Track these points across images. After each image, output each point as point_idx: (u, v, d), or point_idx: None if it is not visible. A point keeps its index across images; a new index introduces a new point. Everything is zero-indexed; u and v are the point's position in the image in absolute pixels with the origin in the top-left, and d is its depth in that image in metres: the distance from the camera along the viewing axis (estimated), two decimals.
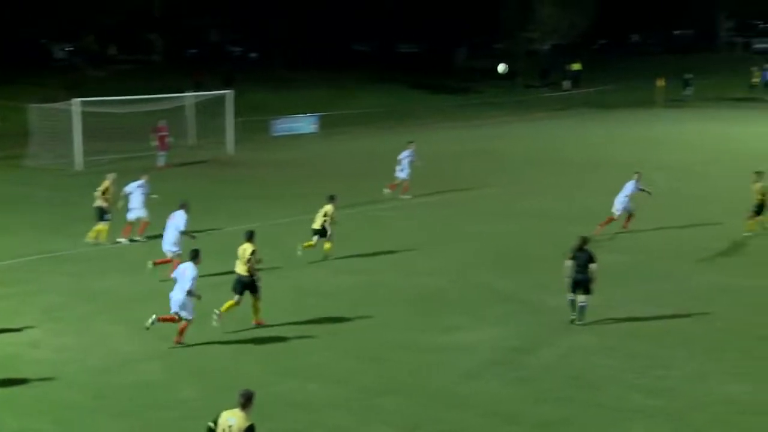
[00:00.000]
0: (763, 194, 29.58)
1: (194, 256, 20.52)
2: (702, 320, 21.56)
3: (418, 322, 21.96)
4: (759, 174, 30.05)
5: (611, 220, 29.64)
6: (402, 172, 36.79)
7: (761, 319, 21.41)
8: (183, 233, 25.38)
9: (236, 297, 21.58)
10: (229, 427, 12.38)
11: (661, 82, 70.98)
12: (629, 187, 29.86)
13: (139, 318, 21.03)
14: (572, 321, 21.25)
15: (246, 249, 21.59)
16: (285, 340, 20.90)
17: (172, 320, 20.23)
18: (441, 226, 32.09)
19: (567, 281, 21.22)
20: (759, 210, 29.60)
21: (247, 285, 21.53)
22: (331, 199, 27.26)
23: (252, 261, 21.37)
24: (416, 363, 19.38)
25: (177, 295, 20.19)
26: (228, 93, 52.96)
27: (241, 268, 21.61)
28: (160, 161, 45.65)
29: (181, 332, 20.30)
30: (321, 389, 18.09)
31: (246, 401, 12.57)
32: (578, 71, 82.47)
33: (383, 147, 52.39)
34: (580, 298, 21.14)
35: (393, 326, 21.69)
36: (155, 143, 46.06)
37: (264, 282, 22.04)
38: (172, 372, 19.17)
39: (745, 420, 16.28)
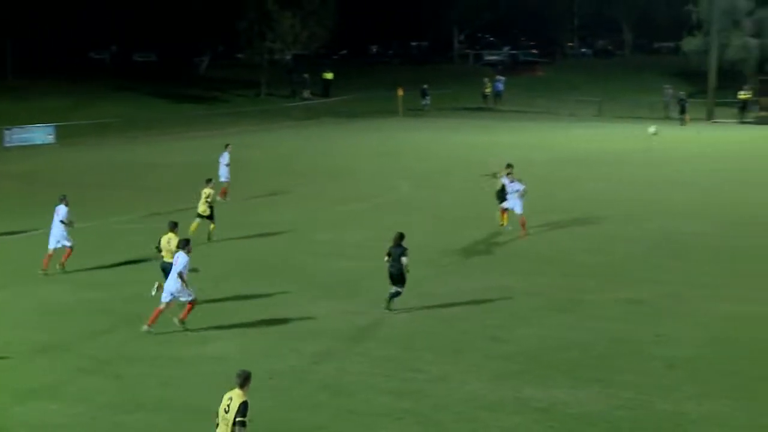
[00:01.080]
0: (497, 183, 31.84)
1: (185, 244, 21.48)
2: (449, 323, 22.07)
3: (163, 334, 21.33)
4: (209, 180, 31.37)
5: None
6: (223, 177, 36.99)
7: (494, 321, 22.14)
8: (63, 222, 26.24)
9: None
10: (228, 404, 13.07)
11: (400, 92, 72.82)
12: None
13: None
14: (389, 308, 22.51)
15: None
16: (20, 359, 19.80)
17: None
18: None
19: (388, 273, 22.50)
20: (501, 198, 31.08)
21: None
22: (208, 181, 30.71)
23: None
24: (163, 377, 18.79)
25: (171, 283, 21.09)
26: None
27: None
28: None
29: (188, 311, 21.35)
30: (63, 409, 17.23)
31: (243, 381, 13.21)
32: (329, 80, 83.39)
33: (124, 157, 51.06)
34: (395, 287, 22.44)
35: (136, 340, 20.95)
36: None
37: (1, 298, 20.84)
38: None
39: (486, 416, 16.75)
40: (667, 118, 65.52)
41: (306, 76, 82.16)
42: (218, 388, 18.02)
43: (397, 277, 22.41)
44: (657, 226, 31.55)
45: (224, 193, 36.52)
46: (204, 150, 48.37)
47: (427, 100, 74.03)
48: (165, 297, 21.24)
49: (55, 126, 58.45)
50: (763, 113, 63.69)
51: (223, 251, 29.38)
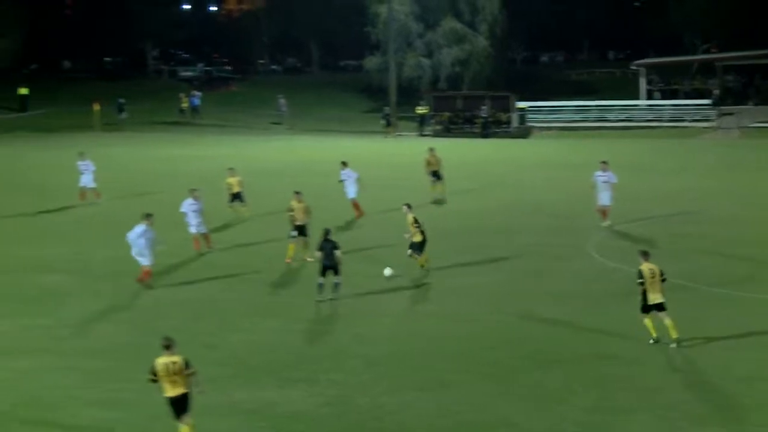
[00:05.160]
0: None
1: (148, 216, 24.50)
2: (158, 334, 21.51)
3: None
4: (231, 170, 34.19)
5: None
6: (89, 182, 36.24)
7: (205, 328, 21.88)
8: None
9: None
10: (173, 363, 14.80)
11: (97, 107, 70.37)
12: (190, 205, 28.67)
13: None
14: (319, 302, 23.22)
15: None
16: None
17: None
18: None
19: (319, 266, 23.40)
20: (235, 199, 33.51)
21: None
22: (231, 170, 33.83)
23: None
24: None
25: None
26: None
27: None
28: None
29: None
30: None
31: (171, 343, 14.99)
32: (26, 95, 79.08)
33: None
34: (334, 279, 23.37)
35: None
36: None
37: None
38: None
39: (199, 421, 16.47)
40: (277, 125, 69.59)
41: (17, 90, 77.51)
42: None
43: (333, 268, 23.29)
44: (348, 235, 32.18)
45: None
46: None
47: (124, 115, 72.02)
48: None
49: None
50: (438, 127, 66.92)
51: None
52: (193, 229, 28.61)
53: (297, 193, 28.25)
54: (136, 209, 31.81)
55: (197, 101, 77.50)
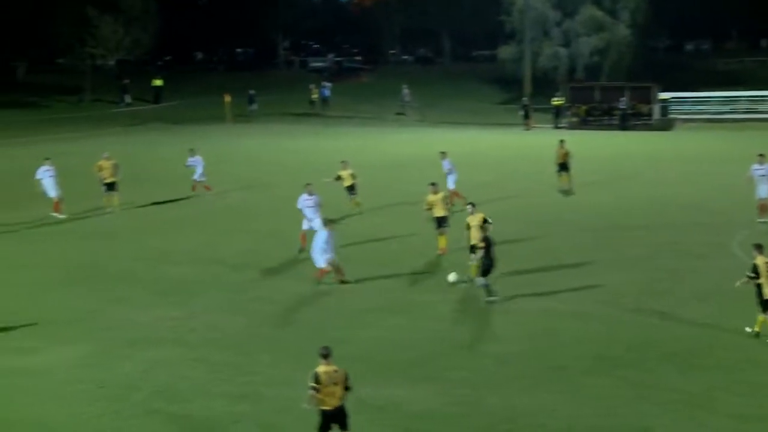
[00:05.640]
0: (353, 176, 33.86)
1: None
2: (288, 327, 21.83)
3: None
4: (344, 162, 34.55)
5: None
6: (52, 191, 34.60)
7: (332, 323, 22.05)
8: None
9: None
10: (335, 372, 14.28)
11: (228, 98, 71.91)
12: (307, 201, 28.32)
13: None
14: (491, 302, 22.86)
15: None
16: None
17: None
18: (16, 246, 30.21)
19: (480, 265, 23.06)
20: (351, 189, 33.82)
21: None
22: (344, 162, 34.23)
23: None
24: None
25: None
26: None
27: None
28: None
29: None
30: None
31: (329, 353, 14.50)
32: (159, 87, 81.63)
33: None
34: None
35: None
36: None
37: None
38: None
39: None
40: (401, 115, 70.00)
41: (126, 81, 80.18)
42: (46, 399, 17.41)
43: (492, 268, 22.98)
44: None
45: (57, 208, 34.77)
46: (21, 158, 46.49)
47: (255, 106, 73.42)
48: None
49: None
50: (574, 119, 65.94)
51: (47, 260, 28.30)
52: (304, 225, 27.96)
53: (433, 184, 28.19)
54: (264, 201, 32.60)
55: (327, 92, 78.31)
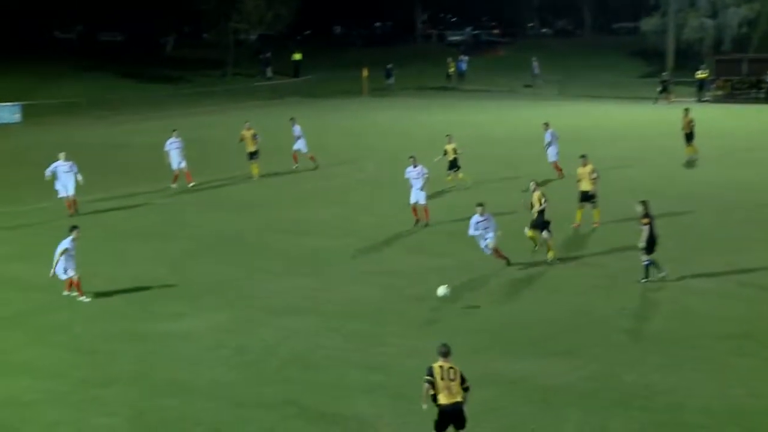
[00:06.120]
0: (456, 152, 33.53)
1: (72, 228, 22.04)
2: (419, 300, 21.94)
3: (136, 311, 21.12)
4: (449, 136, 34.28)
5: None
6: (176, 163, 35.67)
7: (462, 296, 22.01)
8: None
9: None
10: (450, 369, 13.92)
11: (365, 72, 72.49)
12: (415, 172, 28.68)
13: None
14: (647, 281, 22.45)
15: None
16: None
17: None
18: (158, 216, 31.15)
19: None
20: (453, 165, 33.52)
21: None
22: (449, 137, 33.90)
23: None
24: (137, 352, 18.64)
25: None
26: None
27: None
28: None
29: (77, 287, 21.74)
30: (34, 384, 17.03)
31: (448, 350, 14.11)
32: (299, 61, 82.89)
33: (89, 137, 50.39)
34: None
35: (109, 317, 20.73)
36: None
37: None
38: None
39: None
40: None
41: (268, 55, 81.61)
42: (188, 363, 18.00)
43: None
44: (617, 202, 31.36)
45: (188, 178, 35.78)
46: (168, 131, 47.80)
47: (392, 80, 73.76)
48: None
49: (22, 105, 57.54)
50: (719, 92, 63.93)
51: (188, 230, 29.11)
52: (412, 198, 28.43)
53: (582, 156, 27.91)
54: (398, 174, 32.63)
55: (464, 66, 78.05)
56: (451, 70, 77.27)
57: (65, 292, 21.90)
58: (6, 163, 31.85)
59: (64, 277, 21.62)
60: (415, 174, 28.44)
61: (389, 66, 74.28)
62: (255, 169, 36.94)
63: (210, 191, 35.09)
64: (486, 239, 23.50)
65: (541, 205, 24.52)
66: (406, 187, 28.72)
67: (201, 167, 37.50)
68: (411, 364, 17.73)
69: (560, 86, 71.27)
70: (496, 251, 23.73)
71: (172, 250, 26.67)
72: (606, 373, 17.23)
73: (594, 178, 27.51)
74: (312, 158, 38.70)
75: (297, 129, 38.99)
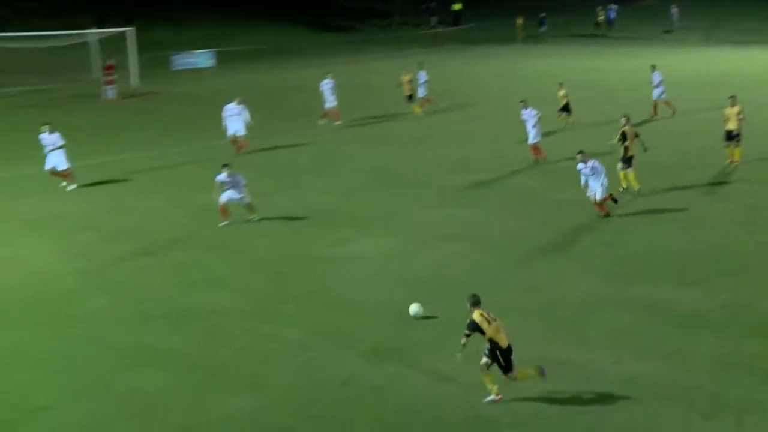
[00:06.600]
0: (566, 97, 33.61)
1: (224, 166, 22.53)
2: (566, 231, 21.82)
3: (311, 236, 21.74)
4: (560, 84, 34.18)
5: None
6: (328, 102, 36.45)
7: (606, 228, 21.76)
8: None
9: None
10: (489, 313, 13.20)
11: (520, 21, 71.38)
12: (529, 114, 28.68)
13: (57, 235, 20.46)
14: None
15: None
16: (187, 256, 20.51)
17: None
18: (331, 152, 31.79)
19: None
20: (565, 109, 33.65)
21: None
22: (560, 84, 33.68)
23: None
24: (311, 273, 19.23)
25: None
26: (129, 30, 51.13)
27: None
28: (109, 94, 44.83)
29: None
30: (228, 298, 17.86)
31: (478, 300, 13.31)
32: (458, 11, 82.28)
33: (274, 80, 51.58)
34: None
35: (287, 241, 21.44)
36: (104, 78, 45.23)
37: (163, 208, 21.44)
38: (87, 284, 18.78)
39: (597, 311, 16.62)
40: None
41: (433, 4, 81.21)
42: (357, 283, 18.51)
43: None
44: (759, 144, 30.10)
45: (336, 117, 36.47)
46: (340, 75, 48.46)
47: (545, 28, 72.41)
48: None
49: (215, 51, 59.31)
50: None
51: (354, 164, 29.57)
52: (530, 140, 28.47)
53: (731, 97, 27.20)
54: (549, 117, 32.28)
55: (613, 14, 75.91)
56: (600, 18, 75.29)
57: (250, 216, 22.76)
58: (199, 102, 32.96)
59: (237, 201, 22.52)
60: (525, 116, 28.46)
61: (542, 15, 72.88)
62: (416, 108, 37.49)
63: (372, 130, 35.55)
64: (594, 188, 22.03)
65: (631, 141, 24.02)
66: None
67: (362, 108, 38.06)
68: (555, 288, 17.81)
69: (705, 32, 68.36)
70: (600, 200, 22.25)
71: (341, 182, 27.19)
72: (741, 302, 16.83)
73: (740, 119, 26.69)
74: (429, 100, 38.71)
75: (422, 75, 39.03)
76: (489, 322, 13.12)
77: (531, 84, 45.85)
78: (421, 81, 38.96)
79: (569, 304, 17.04)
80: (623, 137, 24.18)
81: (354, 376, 14.17)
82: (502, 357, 13.19)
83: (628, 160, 24.22)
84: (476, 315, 13.15)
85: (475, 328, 13.09)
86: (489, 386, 13.28)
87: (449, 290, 17.82)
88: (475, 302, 13.29)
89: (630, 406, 13.12)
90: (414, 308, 16.25)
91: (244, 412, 13.36)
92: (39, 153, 27.11)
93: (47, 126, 26.88)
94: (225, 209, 22.56)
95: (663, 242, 20.55)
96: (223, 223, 22.46)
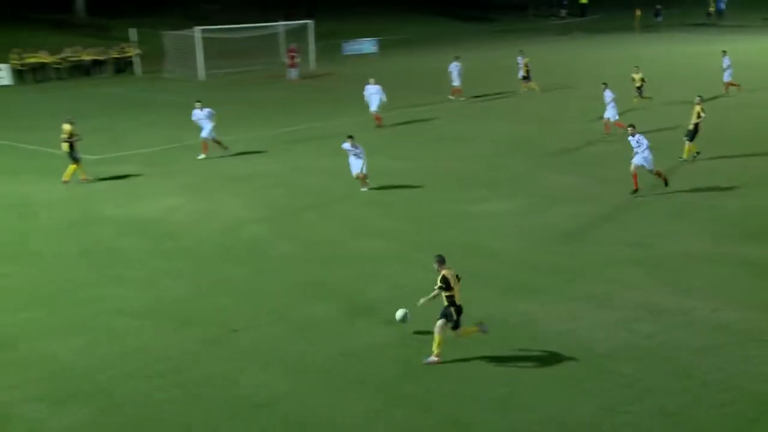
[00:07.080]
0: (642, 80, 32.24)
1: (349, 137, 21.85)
2: (668, 193, 21.01)
3: (451, 195, 21.71)
4: (636, 67, 33.21)
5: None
6: (455, 82, 36.76)
7: (711, 192, 20.76)
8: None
9: None
10: (455, 273, 12.48)
11: (638, 12, 68.53)
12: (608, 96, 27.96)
13: (248, 191, 21.15)
14: None
15: None
16: (354, 210, 20.76)
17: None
18: (472, 124, 31.55)
19: None
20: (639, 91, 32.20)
21: None
22: (636, 67, 32.71)
23: None
24: (451, 225, 19.21)
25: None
26: (309, 22, 52.02)
27: None
28: (292, 75, 45.99)
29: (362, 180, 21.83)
30: (382, 245, 18.04)
31: (444, 259, 12.58)
32: (585, 4, 79.59)
33: (423, 65, 51.40)
34: None
35: (435, 198, 21.48)
36: (288, 62, 46.39)
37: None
38: (274, 232, 19.29)
39: (704, 266, 16.00)
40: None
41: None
42: (487, 235, 18.37)
43: None
44: None
45: (458, 93, 36.41)
46: (475, 60, 47.93)
47: (660, 18, 69.13)
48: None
49: (378, 39, 59.61)
50: None
51: (489, 135, 29.18)
52: (606, 115, 27.61)
53: None
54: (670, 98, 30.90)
55: (723, 5, 71.79)
56: (711, 8, 71.27)
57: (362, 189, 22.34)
58: (364, 82, 33.33)
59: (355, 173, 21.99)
60: (607, 97, 27.69)
61: (658, 6, 69.61)
62: (532, 86, 37.13)
63: (501, 104, 35.02)
64: (641, 158, 20.71)
65: (699, 117, 23.06)
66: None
67: (492, 87, 37.49)
68: (664, 244, 17.23)
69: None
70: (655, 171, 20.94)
71: (476, 149, 26.94)
72: None
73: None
74: (454, 93, 36.92)
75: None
76: (456, 280, 12.44)
77: (645, 66, 44.05)
78: (454, 71, 36.62)
79: (675, 258, 16.45)
80: (698, 115, 23.26)
81: (492, 314, 14.13)
82: (456, 314, 12.50)
83: (691, 134, 23.43)
84: (447, 272, 12.39)
85: (446, 283, 12.34)
86: (436, 348, 12.44)
87: (559, 242, 17.59)
88: (442, 261, 12.53)
89: (725, 347, 12.63)
90: (400, 314, 13.21)
91: (392, 338, 13.53)
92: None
93: (199, 103, 26.63)
94: (362, 177, 22.18)
95: (762, 203, 19.46)
96: (363, 189, 22.11)
